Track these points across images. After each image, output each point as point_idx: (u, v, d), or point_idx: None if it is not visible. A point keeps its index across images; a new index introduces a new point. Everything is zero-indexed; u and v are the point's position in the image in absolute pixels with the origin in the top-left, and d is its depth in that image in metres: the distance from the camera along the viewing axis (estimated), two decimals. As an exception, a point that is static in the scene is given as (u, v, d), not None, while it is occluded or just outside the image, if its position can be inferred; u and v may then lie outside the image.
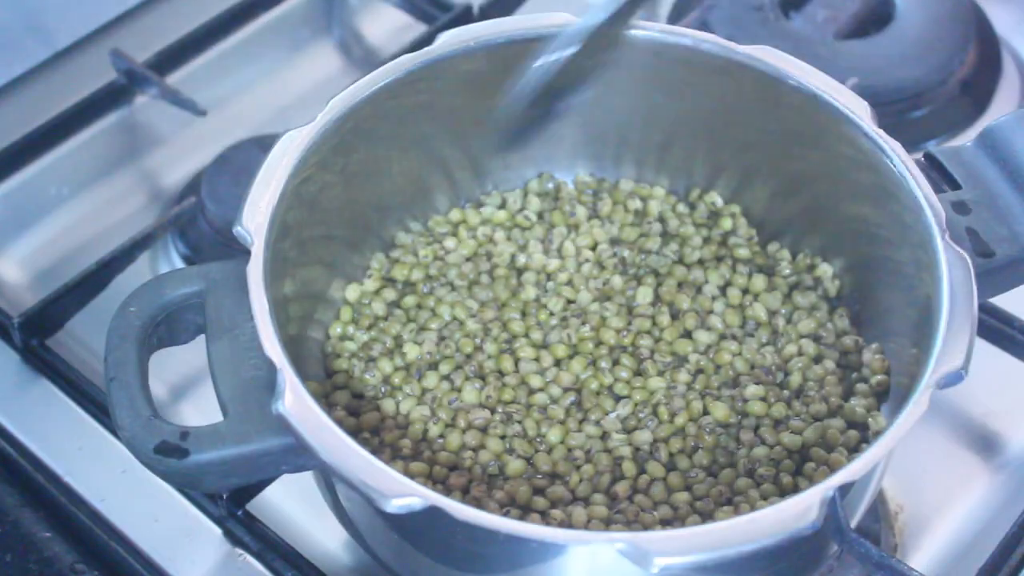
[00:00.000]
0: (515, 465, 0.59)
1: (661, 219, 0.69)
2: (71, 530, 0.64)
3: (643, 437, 0.60)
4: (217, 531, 0.64)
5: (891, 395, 0.60)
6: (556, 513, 0.57)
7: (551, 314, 0.65)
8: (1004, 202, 0.59)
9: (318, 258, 0.63)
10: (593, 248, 0.68)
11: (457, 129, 0.67)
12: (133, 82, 0.83)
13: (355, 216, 0.65)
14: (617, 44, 0.60)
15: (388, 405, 0.62)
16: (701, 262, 0.67)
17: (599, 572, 0.51)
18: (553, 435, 0.60)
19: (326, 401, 0.62)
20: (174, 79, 0.83)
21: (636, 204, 0.69)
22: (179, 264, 0.76)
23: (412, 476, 0.55)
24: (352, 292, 0.66)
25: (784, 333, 0.64)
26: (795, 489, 0.58)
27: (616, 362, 0.63)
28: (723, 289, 0.66)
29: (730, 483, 0.59)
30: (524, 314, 0.65)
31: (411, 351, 0.63)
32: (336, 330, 0.65)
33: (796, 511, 0.48)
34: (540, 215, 0.69)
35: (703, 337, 0.64)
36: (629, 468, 0.59)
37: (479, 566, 0.54)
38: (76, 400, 0.69)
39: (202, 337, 0.56)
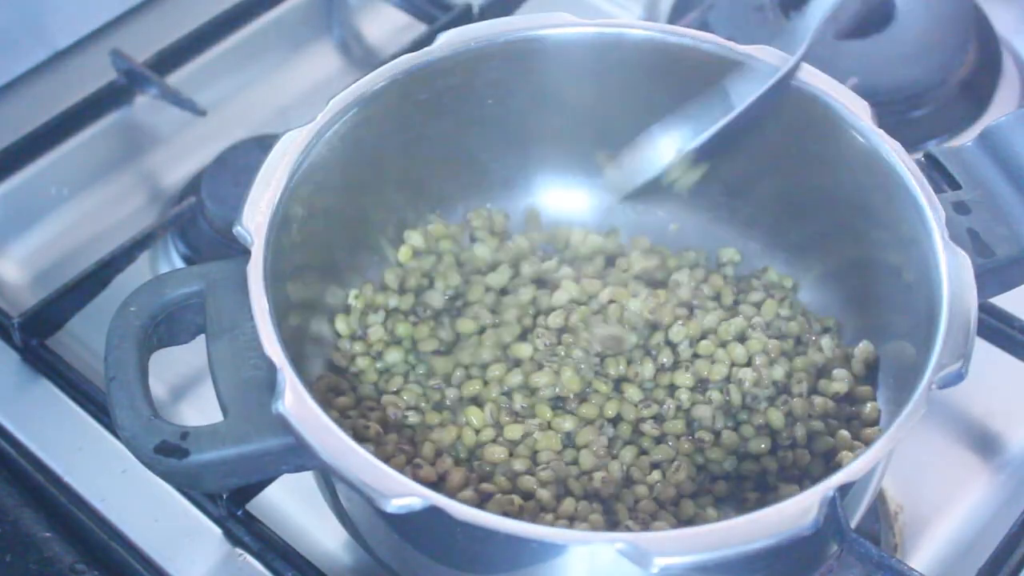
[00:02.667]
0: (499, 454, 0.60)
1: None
2: (71, 530, 0.64)
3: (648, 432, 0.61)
4: (217, 531, 0.64)
5: (891, 395, 0.60)
6: (565, 509, 0.57)
7: (547, 329, 0.65)
8: (1004, 202, 0.59)
9: (318, 258, 0.63)
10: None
11: (457, 129, 0.67)
12: (133, 82, 0.83)
13: (355, 216, 0.65)
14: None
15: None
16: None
17: (599, 572, 0.51)
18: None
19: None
20: (174, 79, 0.83)
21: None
22: (179, 264, 0.76)
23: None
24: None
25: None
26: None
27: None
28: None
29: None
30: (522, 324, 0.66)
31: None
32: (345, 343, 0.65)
33: (796, 511, 0.48)
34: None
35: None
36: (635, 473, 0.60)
37: (479, 566, 0.54)
38: (76, 400, 0.69)
39: (202, 337, 0.56)
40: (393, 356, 0.64)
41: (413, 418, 0.61)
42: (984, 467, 0.68)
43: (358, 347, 0.64)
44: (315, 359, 0.64)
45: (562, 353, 0.63)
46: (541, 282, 0.67)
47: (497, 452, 0.60)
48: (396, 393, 0.63)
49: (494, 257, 0.68)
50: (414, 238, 0.67)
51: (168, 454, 0.52)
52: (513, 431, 0.61)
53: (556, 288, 0.66)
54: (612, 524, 0.58)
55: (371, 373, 0.64)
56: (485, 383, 0.63)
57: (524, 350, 0.64)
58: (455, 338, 0.65)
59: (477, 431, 0.61)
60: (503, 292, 0.67)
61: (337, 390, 0.62)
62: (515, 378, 0.63)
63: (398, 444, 0.60)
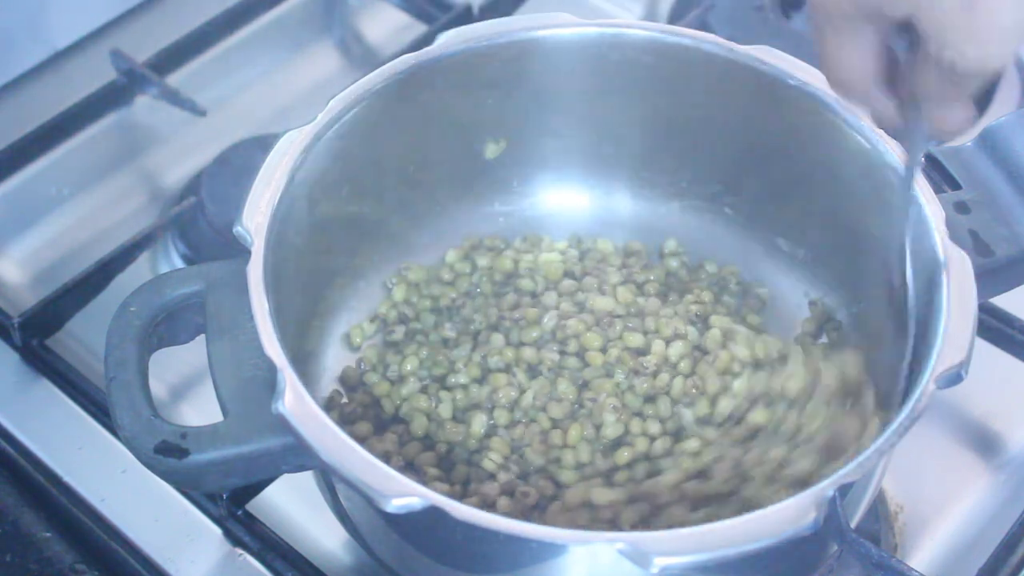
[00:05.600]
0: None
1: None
2: (71, 530, 0.64)
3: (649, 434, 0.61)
4: (217, 531, 0.64)
5: (891, 395, 0.60)
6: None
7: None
8: (1004, 202, 0.59)
9: (318, 257, 0.63)
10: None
11: (457, 129, 0.67)
12: (133, 82, 0.83)
13: (355, 215, 0.65)
14: None
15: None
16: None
17: (599, 572, 0.51)
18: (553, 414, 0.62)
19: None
20: (174, 79, 0.83)
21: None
22: (179, 264, 0.76)
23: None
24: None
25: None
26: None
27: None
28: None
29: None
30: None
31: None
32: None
33: (796, 511, 0.48)
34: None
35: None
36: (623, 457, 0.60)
37: (479, 566, 0.54)
38: (76, 400, 0.69)
39: (202, 337, 0.56)
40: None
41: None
42: (984, 467, 0.68)
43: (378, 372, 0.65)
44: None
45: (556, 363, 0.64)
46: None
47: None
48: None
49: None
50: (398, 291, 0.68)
51: (168, 454, 0.52)
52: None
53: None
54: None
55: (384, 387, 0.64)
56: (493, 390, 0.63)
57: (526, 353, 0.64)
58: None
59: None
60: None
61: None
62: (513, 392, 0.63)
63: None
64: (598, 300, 0.65)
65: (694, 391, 0.62)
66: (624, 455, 0.60)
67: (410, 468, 0.60)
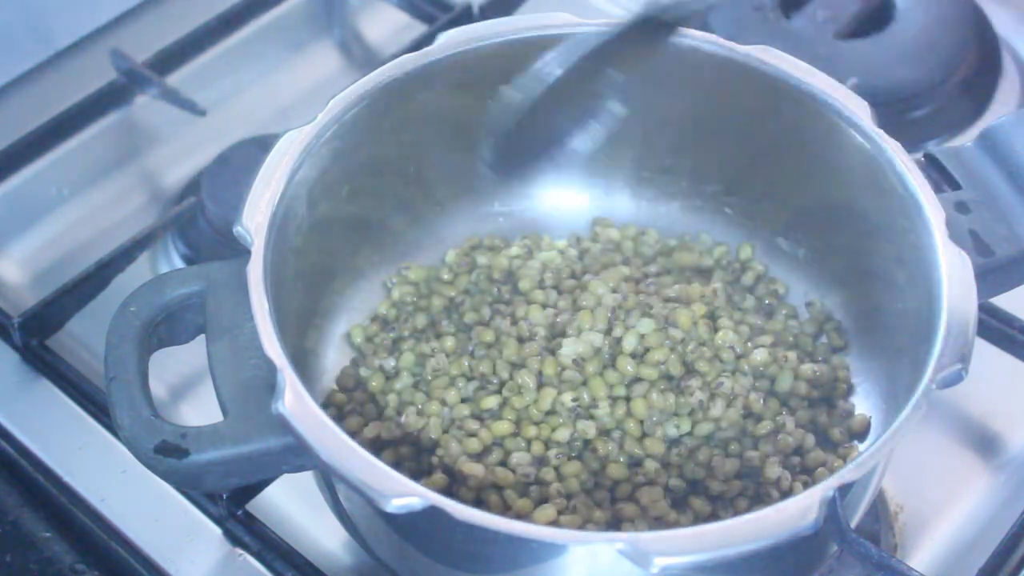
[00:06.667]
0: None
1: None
2: (71, 530, 0.64)
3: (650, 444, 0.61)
4: (217, 531, 0.64)
5: (891, 395, 0.60)
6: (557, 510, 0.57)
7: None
8: (1004, 202, 0.59)
9: (318, 257, 0.63)
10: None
11: (457, 129, 0.67)
12: (133, 82, 0.83)
13: (355, 215, 0.65)
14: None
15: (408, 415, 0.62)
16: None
17: (599, 572, 0.51)
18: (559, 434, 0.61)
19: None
20: (174, 79, 0.83)
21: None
22: (179, 264, 0.76)
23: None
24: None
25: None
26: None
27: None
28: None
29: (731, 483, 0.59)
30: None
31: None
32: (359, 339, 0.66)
33: (796, 511, 0.48)
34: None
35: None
36: (619, 471, 0.60)
37: (479, 566, 0.54)
38: (76, 400, 0.69)
39: (202, 337, 0.56)
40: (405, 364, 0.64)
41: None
42: (984, 467, 0.68)
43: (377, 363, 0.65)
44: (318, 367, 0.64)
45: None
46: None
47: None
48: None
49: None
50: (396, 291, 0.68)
51: (168, 454, 0.52)
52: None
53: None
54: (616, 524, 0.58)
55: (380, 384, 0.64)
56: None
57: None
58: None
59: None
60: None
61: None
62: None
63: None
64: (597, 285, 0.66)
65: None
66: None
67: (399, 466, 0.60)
